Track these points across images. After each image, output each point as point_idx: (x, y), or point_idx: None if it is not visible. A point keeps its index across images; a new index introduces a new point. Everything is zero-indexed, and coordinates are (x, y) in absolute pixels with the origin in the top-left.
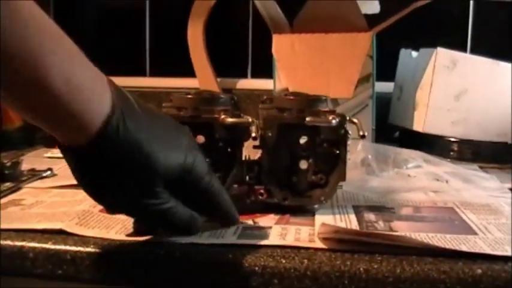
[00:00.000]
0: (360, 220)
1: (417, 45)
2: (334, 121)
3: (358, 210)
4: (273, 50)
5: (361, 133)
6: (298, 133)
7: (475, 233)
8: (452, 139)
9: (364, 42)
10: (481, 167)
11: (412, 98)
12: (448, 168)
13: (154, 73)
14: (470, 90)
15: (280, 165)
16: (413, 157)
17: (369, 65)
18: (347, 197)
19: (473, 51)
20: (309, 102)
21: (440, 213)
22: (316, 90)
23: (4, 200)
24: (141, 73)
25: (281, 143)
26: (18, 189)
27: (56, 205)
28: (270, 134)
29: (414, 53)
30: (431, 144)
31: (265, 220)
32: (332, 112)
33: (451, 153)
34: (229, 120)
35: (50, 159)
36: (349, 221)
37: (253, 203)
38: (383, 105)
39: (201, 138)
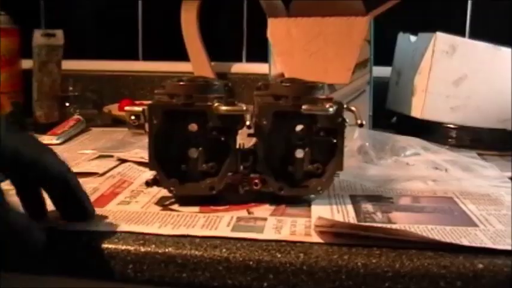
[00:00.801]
0: (357, 211)
1: (415, 29)
2: (331, 109)
3: (355, 200)
4: (268, 35)
5: (359, 122)
6: (294, 121)
7: (476, 225)
8: (451, 126)
9: (361, 26)
10: (480, 154)
11: (410, 84)
12: (447, 156)
13: (147, 57)
14: (470, 75)
15: (276, 154)
16: (412, 144)
17: (367, 50)
18: (344, 186)
19: (473, 35)
20: (305, 89)
21: (439, 204)
22: (312, 76)
23: None
24: (134, 57)
25: (277, 132)
26: None
27: None
28: (265, 122)
29: (412, 38)
30: (430, 131)
31: (261, 211)
32: (329, 100)
33: (450, 140)
34: (223, 108)
35: None
36: (347, 212)
37: (248, 193)
38: (380, 90)
39: (194, 127)
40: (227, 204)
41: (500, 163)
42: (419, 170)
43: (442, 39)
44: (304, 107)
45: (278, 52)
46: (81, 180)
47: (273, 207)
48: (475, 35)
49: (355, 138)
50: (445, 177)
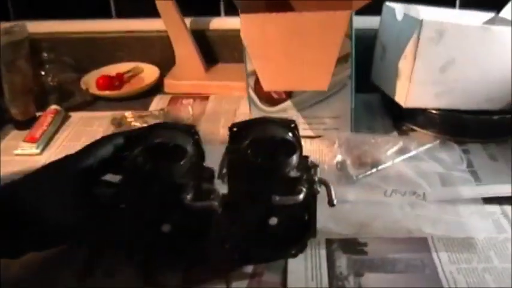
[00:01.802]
0: (331, 273)
1: None
2: (301, 195)
3: (330, 249)
4: (242, 33)
5: (332, 201)
6: (266, 205)
7: None
8: (435, 112)
9: (341, 22)
10: (463, 143)
11: (395, 66)
12: (426, 163)
13: (121, 14)
14: (458, 59)
15: (249, 222)
16: (391, 151)
17: (347, 45)
18: (321, 225)
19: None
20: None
21: (413, 253)
22: (290, 84)
23: None
24: (107, 15)
25: (248, 207)
26: None
27: None
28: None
29: (398, 13)
30: (414, 116)
31: (237, 284)
32: (300, 180)
33: (434, 127)
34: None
35: (20, 158)
36: (320, 275)
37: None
38: (365, 47)
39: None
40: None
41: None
42: (396, 197)
43: (428, 25)
44: (275, 198)
45: (253, 55)
46: None
47: (249, 276)
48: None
49: (335, 150)
50: (420, 209)
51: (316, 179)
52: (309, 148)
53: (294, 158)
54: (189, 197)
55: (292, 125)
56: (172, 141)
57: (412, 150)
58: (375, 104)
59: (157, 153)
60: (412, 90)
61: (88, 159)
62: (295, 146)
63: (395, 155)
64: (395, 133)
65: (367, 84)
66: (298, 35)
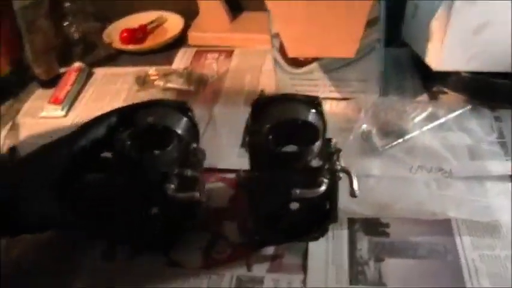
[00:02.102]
0: (351, 259)
1: None
2: (322, 187)
3: (352, 230)
4: None
5: (354, 192)
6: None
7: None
8: (468, 75)
9: None
10: (494, 108)
11: (427, 27)
12: (454, 135)
13: None
14: (493, 21)
15: (270, 205)
16: (418, 114)
17: (376, 8)
18: (344, 205)
19: None
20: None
21: (436, 236)
22: (314, 50)
23: None
24: None
25: (270, 192)
26: None
27: None
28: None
29: None
30: (445, 78)
31: (258, 267)
32: (322, 169)
33: (466, 90)
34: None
35: (45, 121)
36: (341, 259)
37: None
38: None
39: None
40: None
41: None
42: (422, 173)
43: None
44: (295, 192)
45: (277, 19)
46: None
47: (269, 260)
48: None
49: (360, 118)
50: (446, 188)
51: (339, 167)
52: (335, 111)
53: (316, 145)
54: (172, 186)
55: (316, 102)
56: (161, 123)
57: (441, 117)
58: (405, 60)
59: (146, 136)
60: (444, 52)
61: (81, 140)
62: (318, 130)
63: (424, 122)
64: (425, 95)
65: (399, 38)
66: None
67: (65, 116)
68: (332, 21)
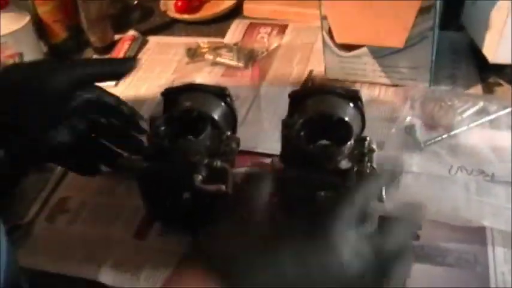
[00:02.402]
0: None
1: None
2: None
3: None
4: None
5: (382, 198)
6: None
7: None
8: None
9: None
10: None
11: (487, 15)
12: (503, 131)
13: None
14: None
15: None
16: (467, 108)
17: None
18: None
19: None
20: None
21: (466, 244)
22: (362, 38)
23: None
24: None
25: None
26: None
27: None
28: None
29: None
30: (501, 69)
31: None
32: (350, 172)
33: None
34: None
35: None
36: None
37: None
38: None
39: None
40: None
41: None
42: (462, 175)
43: None
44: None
45: (326, 4)
46: None
47: None
48: None
49: (406, 110)
50: (485, 195)
51: (368, 170)
52: (382, 98)
53: (347, 145)
54: (200, 177)
55: (356, 97)
56: (198, 109)
57: (492, 113)
58: (461, 46)
59: (182, 122)
60: (502, 45)
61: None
62: (351, 130)
63: (472, 117)
64: (479, 86)
65: (458, 21)
66: None
67: (116, 85)
68: (383, 8)
